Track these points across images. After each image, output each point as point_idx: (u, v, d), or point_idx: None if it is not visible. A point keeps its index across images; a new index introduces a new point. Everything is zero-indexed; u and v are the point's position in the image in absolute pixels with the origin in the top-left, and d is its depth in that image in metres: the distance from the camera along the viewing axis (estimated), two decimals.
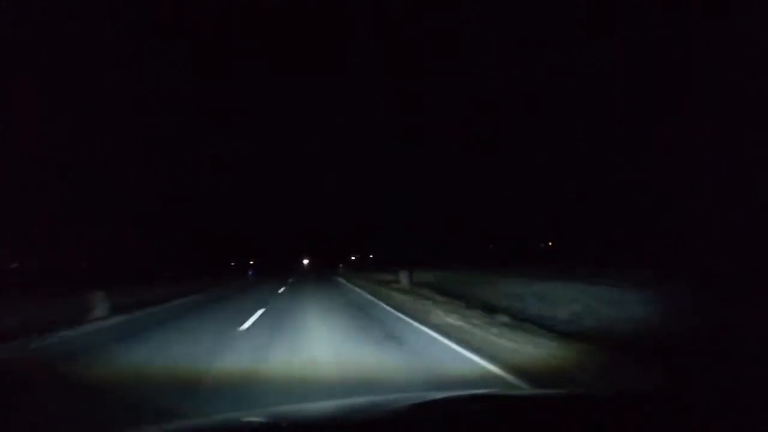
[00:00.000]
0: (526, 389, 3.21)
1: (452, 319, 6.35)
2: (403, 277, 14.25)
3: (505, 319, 6.29)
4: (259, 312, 8.43)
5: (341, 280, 21.78)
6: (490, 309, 7.65)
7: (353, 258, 57.44)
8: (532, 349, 4.32)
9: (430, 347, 4.74)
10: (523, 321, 6.41)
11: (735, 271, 9.61)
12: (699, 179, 17.61)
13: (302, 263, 62.30)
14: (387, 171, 55.18)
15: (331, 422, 1.34)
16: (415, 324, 6.34)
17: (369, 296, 11.45)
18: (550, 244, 42.79)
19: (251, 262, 56.78)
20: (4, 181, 21.03)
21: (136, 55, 34.24)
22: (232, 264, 53.43)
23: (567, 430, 1.10)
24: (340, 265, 39.53)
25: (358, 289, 14.29)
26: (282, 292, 14.09)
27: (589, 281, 9.95)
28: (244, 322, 7.15)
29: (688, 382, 3.28)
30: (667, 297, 7.45)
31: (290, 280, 22.42)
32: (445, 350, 4.59)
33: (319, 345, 5.09)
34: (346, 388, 3.33)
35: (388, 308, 8.47)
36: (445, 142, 44.45)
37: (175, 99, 38.89)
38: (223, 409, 2.98)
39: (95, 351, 5.56)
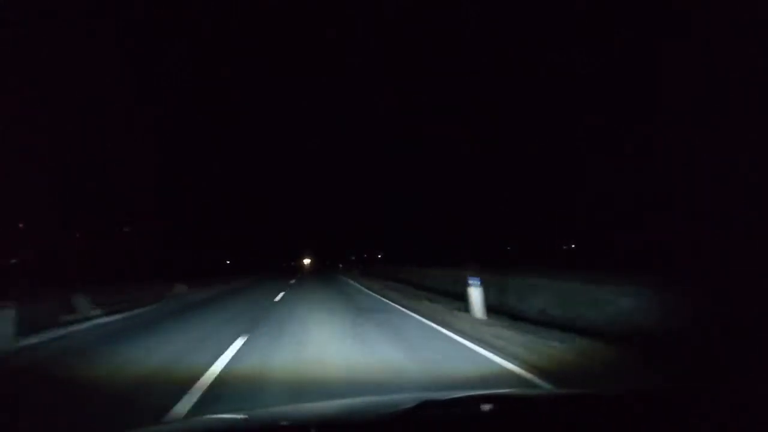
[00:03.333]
0: (532, 390, 3.20)
1: None
2: None
3: None
4: None
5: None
6: None
7: (356, 258, 55.37)
8: None
9: None
10: None
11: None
12: (699, 179, 17.61)
13: (303, 263, 61.81)
14: (387, 171, 55.10)
15: (335, 422, 1.32)
16: None
17: None
18: (573, 246, 42.40)
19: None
20: (3, 180, 21.02)
21: (136, 54, 34.23)
22: (227, 263, 53.28)
23: (573, 431, 1.09)
24: (357, 269, 27.09)
25: None
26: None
27: None
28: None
29: (690, 382, 3.27)
30: None
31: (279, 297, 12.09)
32: None
33: None
34: None
35: None
36: (445, 142, 44.39)
37: (174, 99, 38.85)
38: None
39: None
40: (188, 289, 15.83)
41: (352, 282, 18.55)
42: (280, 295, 12.62)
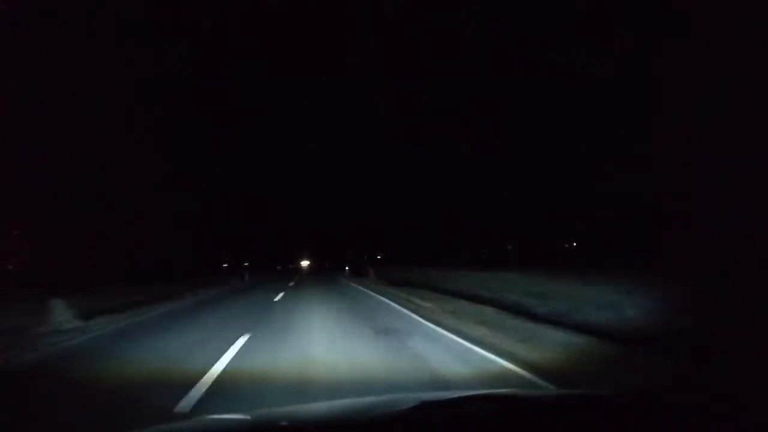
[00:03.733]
0: (533, 390, 3.20)
1: None
2: None
3: None
4: None
5: None
6: None
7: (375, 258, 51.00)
8: None
9: None
10: None
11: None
12: (699, 179, 17.62)
13: (301, 266, 61.61)
14: (387, 171, 55.05)
15: (335, 422, 1.32)
16: None
17: None
18: (575, 244, 42.62)
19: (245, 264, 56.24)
20: (2, 181, 21.02)
21: (136, 54, 34.19)
22: (224, 266, 52.84)
23: (573, 431, 1.09)
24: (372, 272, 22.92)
25: None
26: None
27: None
28: None
29: (689, 382, 3.27)
30: None
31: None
32: None
33: None
34: None
35: None
36: (445, 142, 44.41)
37: (174, 99, 38.84)
38: None
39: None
40: (83, 320, 8.77)
41: (376, 295, 13.48)
42: (243, 339, 6.43)
